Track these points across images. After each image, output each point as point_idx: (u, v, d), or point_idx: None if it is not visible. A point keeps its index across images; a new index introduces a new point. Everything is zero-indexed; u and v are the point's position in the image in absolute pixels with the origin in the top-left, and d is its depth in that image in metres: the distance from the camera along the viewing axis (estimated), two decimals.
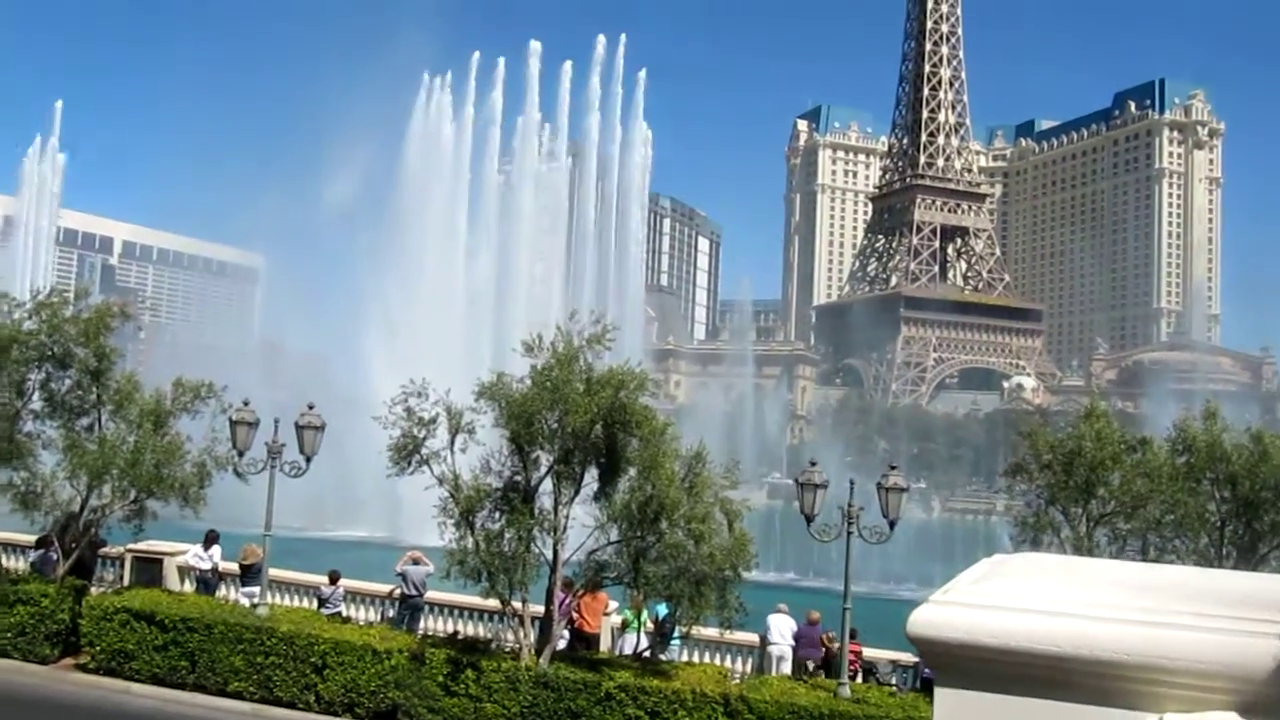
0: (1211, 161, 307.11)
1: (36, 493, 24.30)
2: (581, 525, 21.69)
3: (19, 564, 29.85)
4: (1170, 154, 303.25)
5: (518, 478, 21.81)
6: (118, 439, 24.04)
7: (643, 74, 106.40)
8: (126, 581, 28.82)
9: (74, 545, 25.69)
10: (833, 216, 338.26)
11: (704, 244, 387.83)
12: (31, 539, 28.39)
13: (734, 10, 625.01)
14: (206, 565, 28.36)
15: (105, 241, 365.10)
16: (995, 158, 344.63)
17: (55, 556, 26.01)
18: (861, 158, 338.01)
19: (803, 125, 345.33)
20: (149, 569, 29.03)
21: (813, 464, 24.86)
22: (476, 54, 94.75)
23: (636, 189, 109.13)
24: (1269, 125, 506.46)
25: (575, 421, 20.65)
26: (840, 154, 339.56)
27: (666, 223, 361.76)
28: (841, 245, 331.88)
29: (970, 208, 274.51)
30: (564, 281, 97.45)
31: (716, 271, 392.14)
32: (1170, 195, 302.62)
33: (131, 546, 28.70)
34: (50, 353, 24.50)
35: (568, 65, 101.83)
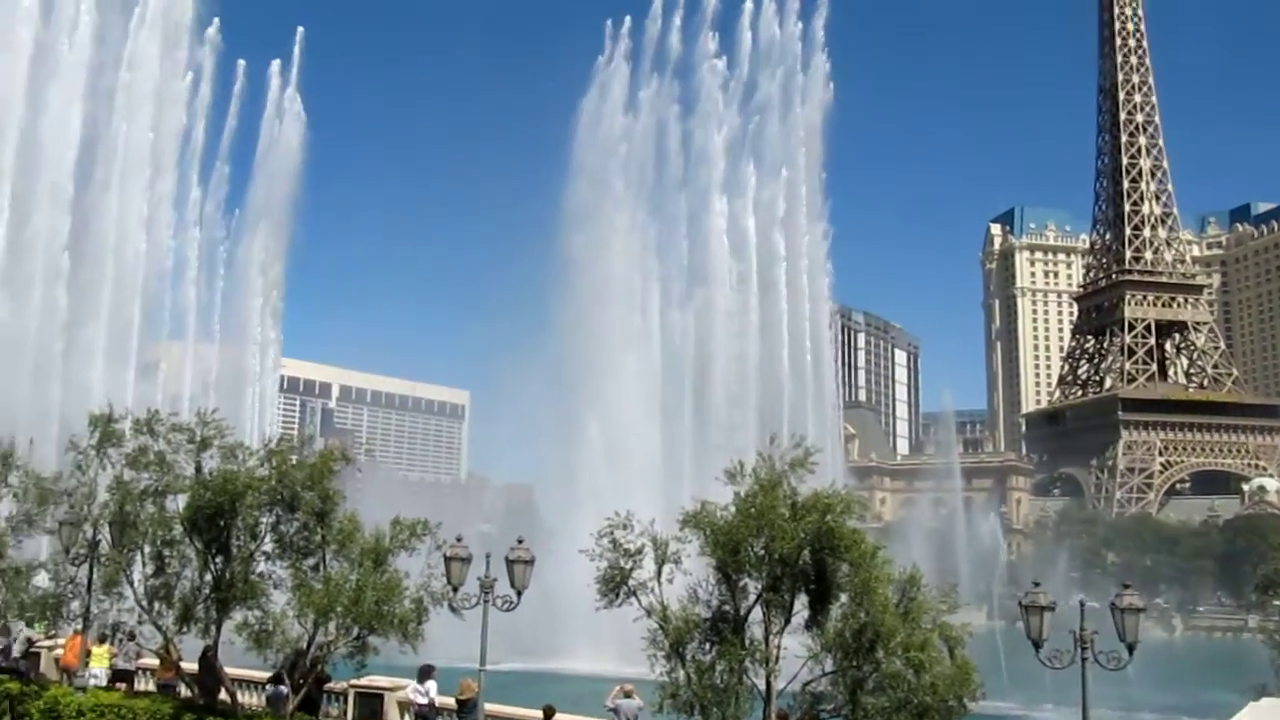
0: None
1: (269, 631, 25.47)
2: (794, 655, 20.94)
3: (254, 700, 31.25)
4: None
5: (726, 607, 21.36)
6: (341, 578, 25.05)
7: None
8: (350, 716, 29.66)
9: (302, 681, 26.70)
10: (1035, 320, 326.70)
11: (901, 356, 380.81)
12: (264, 675, 29.72)
13: (914, 121, 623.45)
14: (424, 700, 28.87)
15: (324, 387, 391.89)
16: (1210, 246, 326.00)
17: (285, 692, 27.09)
18: (1062, 257, 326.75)
19: (996, 229, 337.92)
20: (370, 704, 29.81)
21: (1036, 585, 23.34)
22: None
23: (824, 304, 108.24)
24: None
25: (782, 548, 20.17)
26: (1039, 255, 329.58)
27: (861, 337, 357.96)
28: (1048, 349, 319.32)
29: (1186, 300, 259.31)
30: (758, 402, 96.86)
31: (916, 384, 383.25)
32: None
33: (354, 682, 29.59)
34: (280, 497, 25.97)
35: (751, 180, 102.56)
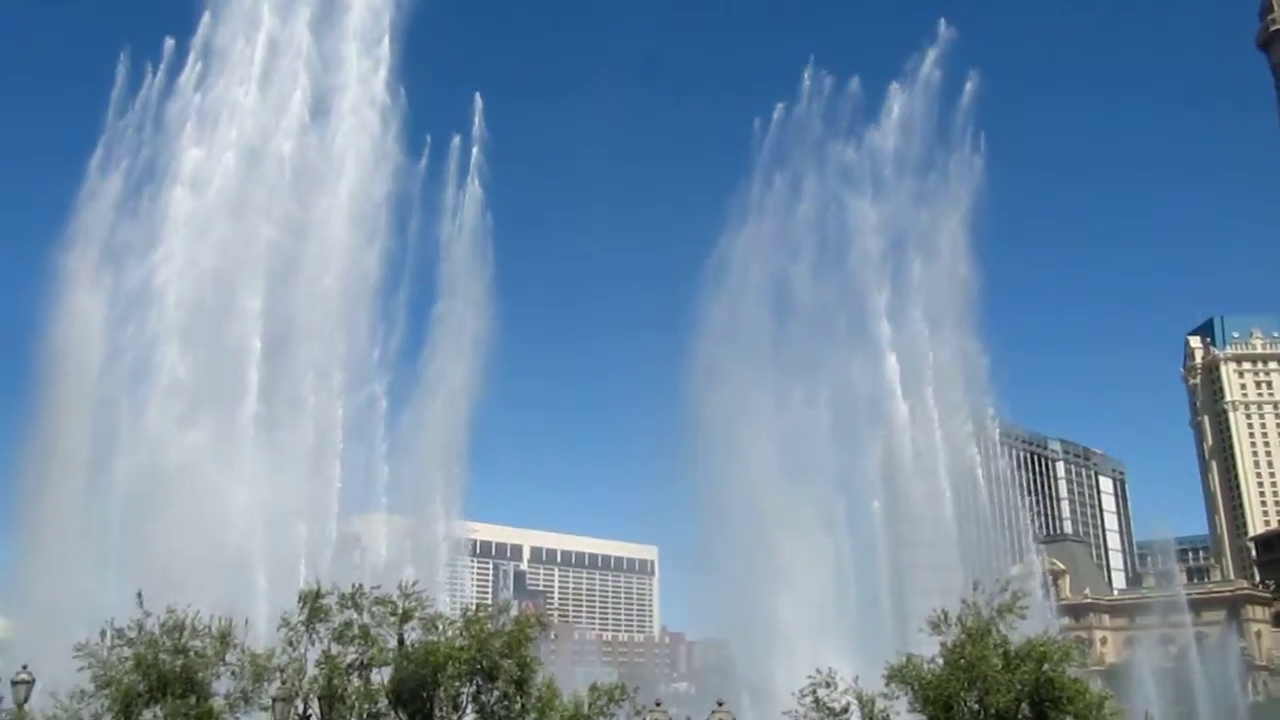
0: None
1: None
2: None
3: None
4: None
5: None
6: None
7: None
8: None
9: None
10: (1251, 434, 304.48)
11: (1106, 484, 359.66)
12: None
13: (1089, 240, 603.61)
14: None
15: (515, 549, 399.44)
16: None
17: None
18: (1273, 365, 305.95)
19: (1195, 341, 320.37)
20: None
21: None
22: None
23: (993, 427, 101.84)
24: None
25: (998, 701, 18.96)
26: (1246, 365, 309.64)
27: (1060, 466, 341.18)
28: (1270, 464, 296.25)
29: None
30: (957, 550, 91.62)
31: (1125, 511, 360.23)
32: None
33: None
34: (479, 666, 26.23)
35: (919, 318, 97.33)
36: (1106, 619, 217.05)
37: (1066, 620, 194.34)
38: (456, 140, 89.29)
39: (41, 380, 72.03)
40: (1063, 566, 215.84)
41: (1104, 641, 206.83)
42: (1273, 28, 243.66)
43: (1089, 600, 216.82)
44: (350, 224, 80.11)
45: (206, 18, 78.83)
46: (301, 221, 78.07)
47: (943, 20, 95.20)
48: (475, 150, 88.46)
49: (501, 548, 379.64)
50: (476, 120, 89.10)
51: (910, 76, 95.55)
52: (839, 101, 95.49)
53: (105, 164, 78.31)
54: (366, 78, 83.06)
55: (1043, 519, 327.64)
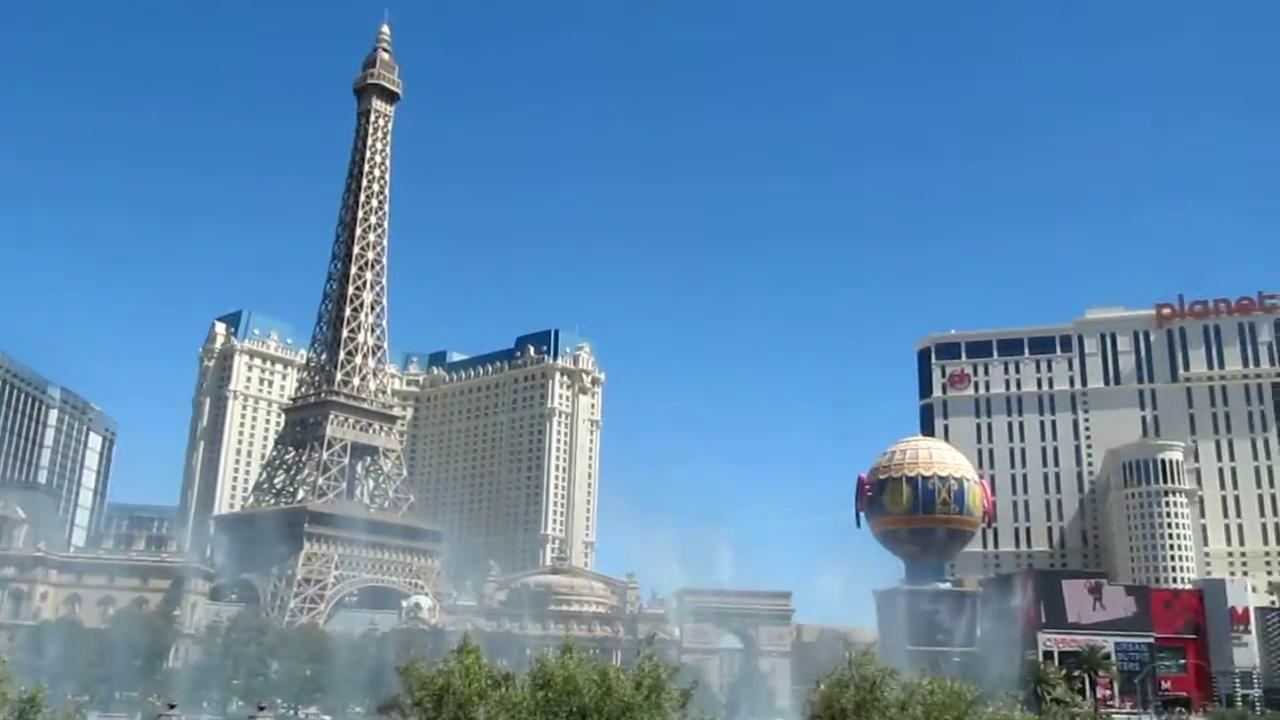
0: (593, 406, 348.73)
1: None
2: None
3: None
4: (560, 396, 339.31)
5: None
6: None
7: None
8: None
9: None
10: (243, 424, 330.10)
11: (96, 441, 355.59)
12: None
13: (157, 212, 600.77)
14: None
15: None
16: (409, 383, 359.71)
17: None
18: (279, 368, 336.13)
19: (220, 328, 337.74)
20: None
21: (171, 707, 25.64)
22: None
23: None
24: (639, 377, 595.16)
25: None
26: (258, 361, 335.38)
27: (53, 414, 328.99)
28: (250, 455, 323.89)
29: (381, 428, 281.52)
30: None
31: (106, 472, 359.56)
32: (558, 432, 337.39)
33: None
34: None
35: None
36: (54, 574, 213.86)
37: (11, 570, 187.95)
38: None
39: None
40: (25, 516, 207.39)
41: (44, 597, 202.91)
42: (369, 80, 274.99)
43: (42, 554, 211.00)
44: None
45: None
46: None
47: None
48: None
49: None
50: None
51: None
52: None
53: None
54: None
55: (20, 464, 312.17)
